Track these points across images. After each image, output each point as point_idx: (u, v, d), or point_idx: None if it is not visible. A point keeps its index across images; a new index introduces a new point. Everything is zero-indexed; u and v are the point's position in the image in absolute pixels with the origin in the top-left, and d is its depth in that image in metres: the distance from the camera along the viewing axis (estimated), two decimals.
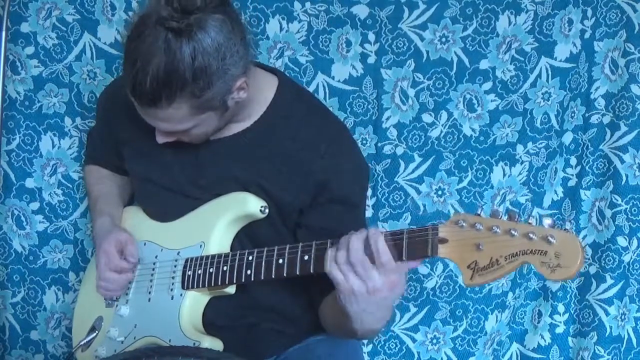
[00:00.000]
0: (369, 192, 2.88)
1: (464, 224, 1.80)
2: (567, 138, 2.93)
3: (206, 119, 2.10)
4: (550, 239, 1.69)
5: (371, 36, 2.85)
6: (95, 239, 2.45)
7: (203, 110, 2.05)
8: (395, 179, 2.91)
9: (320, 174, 2.23)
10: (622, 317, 2.97)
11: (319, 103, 2.47)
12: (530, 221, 1.74)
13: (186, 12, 1.95)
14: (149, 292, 2.33)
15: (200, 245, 2.26)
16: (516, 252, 1.73)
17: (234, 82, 2.05)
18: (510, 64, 2.87)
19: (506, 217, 1.76)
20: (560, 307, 3.01)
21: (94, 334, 2.42)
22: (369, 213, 2.89)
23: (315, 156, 2.24)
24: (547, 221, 1.71)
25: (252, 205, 2.21)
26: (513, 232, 1.73)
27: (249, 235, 2.28)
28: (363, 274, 1.93)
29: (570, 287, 3.01)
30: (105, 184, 2.60)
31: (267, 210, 2.21)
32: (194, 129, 2.12)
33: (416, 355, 3.01)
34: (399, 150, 2.89)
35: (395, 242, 1.91)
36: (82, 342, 2.43)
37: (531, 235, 1.71)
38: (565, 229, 1.70)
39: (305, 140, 2.26)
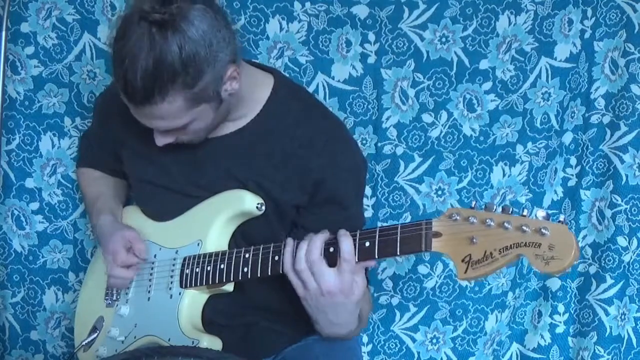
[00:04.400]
0: (369, 192, 2.89)
1: (457, 218, 1.80)
2: (567, 138, 2.93)
3: (202, 112, 2.09)
4: (543, 231, 1.68)
5: (371, 36, 2.85)
6: (99, 237, 2.45)
7: (198, 102, 2.05)
8: (395, 179, 2.91)
9: (318, 172, 2.24)
10: (622, 317, 2.96)
11: (316, 101, 2.46)
12: (524, 214, 1.74)
13: (167, 3, 1.95)
14: (149, 292, 2.34)
15: (198, 244, 2.26)
16: (510, 245, 1.73)
17: (224, 70, 2.05)
18: (510, 64, 2.86)
19: (500, 210, 1.76)
20: (560, 307, 3.00)
21: (96, 334, 2.43)
22: (369, 213, 2.89)
23: (312, 154, 2.24)
24: (541, 213, 1.71)
25: (249, 202, 2.22)
26: (507, 224, 1.73)
27: (244, 236, 2.28)
28: (318, 275, 1.99)
29: (570, 287, 3.01)
30: (101, 184, 2.61)
31: (263, 208, 2.21)
32: (192, 125, 2.11)
33: (416, 355, 3.00)
34: (399, 150, 2.89)
35: (389, 237, 1.92)
36: (84, 343, 2.44)
37: (525, 227, 1.71)
38: (559, 221, 1.70)
39: (302, 138, 2.26)
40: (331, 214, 2.23)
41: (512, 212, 1.75)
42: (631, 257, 2.93)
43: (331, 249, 2.01)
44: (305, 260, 2.01)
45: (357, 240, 1.98)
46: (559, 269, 1.68)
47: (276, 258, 2.09)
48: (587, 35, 2.85)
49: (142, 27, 1.95)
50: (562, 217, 1.71)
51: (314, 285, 2.01)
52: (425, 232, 1.85)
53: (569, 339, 3.03)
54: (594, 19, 2.84)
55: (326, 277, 1.99)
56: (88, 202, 2.63)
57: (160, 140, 2.17)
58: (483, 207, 1.79)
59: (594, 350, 2.97)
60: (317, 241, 2.01)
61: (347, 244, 1.98)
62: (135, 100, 2.02)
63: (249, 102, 2.24)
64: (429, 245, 1.85)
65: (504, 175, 2.91)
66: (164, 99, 1.99)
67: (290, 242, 2.08)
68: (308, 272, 2.00)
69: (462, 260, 1.78)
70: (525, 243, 1.70)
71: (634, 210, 2.90)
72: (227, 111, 2.19)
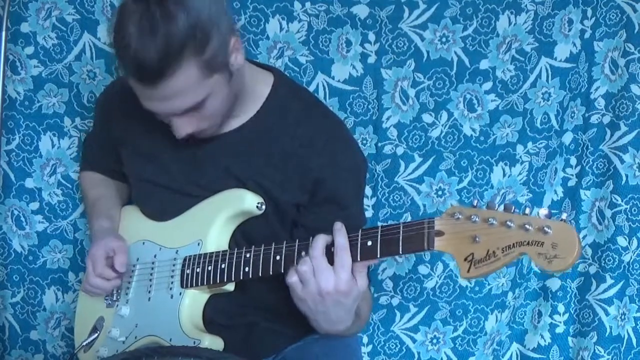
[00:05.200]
0: (369, 192, 2.89)
1: (460, 217, 1.80)
2: (567, 138, 2.93)
3: (216, 85, 2.06)
4: (546, 229, 1.68)
5: (371, 36, 2.85)
6: (92, 241, 2.45)
7: (210, 71, 2.02)
8: (396, 179, 2.91)
9: (318, 171, 2.24)
10: (622, 317, 2.96)
11: (316, 100, 2.47)
12: (526, 212, 1.74)
13: None
14: (149, 292, 2.33)
15: (198, 244, 2.26)
16: (513, 244, 1.72)
17: (228, 37, 2.05)
18: (511, 64, 2.86)
19: (502, 208, 1.76)
20: (560, 307, 3.01)
21: (96, 335, 2.43)
22: (369, 213, 2.89)
23: (312, 153, 2.24)
24: (543, 212, 1.71)
25: (249, 201, 2.21)
26: (509, 223, 1.72)
27: (244, 236, 2.28)
28: (317, 270, 1.98)
29: (570, 287, 3.01)
30: (102, 187, 2.61)
31: (263, 207, 2.21)
32: (208, 102, 2.08)
33: (416, 355, 3.00)
34: (399, 150, 2.89)
35: (391, 236, 1.91)
36: (85, 343, 2.44)
37: (527, 226, 1.70)
38: (561, 220, 1.70)
39: (302, 137, 2.26)
40: (331, 214, 2.20)
41: (514, 210, 1.75)
42: (631, 257, 2.93)
43: (332, 249, 2.01)
44: (308, 260, 2.00)
45: (359, 239, 1.97)
46: (562, 267, 1.68)
47: (277, 258, 2.09)
48: (587, 35, 2.86)
49: (139, 6, 1.95)
50: (564, 215, 1.71)
51: (313, 284, 1.99)
52: (428, 230, 1.85)
53: (569, 339, 3.03)
54: (594, 19, 2.85)
55: (326, 273, 1.98)
56: (88, 205, 2.63)
57: (181, 130, 2.13)
58: (485, 205, 1.79)
59: (594, 350, 2.97)
60: (319, 239, 2.01)
61: (340, 237, 1.97)
62: (152, 80, 1.99)
63: (249, 98, 2.24)
64: (431, 244, 1.84)
65: (504, 175, 2.91)
66: (180, 68, 1.96)
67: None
68: (310, 272, 1.99)
69: (465, 259, 1.77)
70: (528, 242, 1.70)
71: (634, 210, 2.90)
72: (236, 97, 2.18)
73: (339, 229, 1.99)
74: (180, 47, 1.94)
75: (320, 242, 2.00)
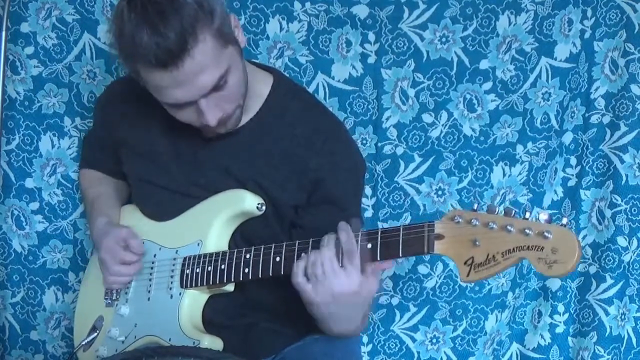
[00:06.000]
0: (369, 192, 2.89)
1: (460, 220, 1.79)
2: (567, 138, 2.93)
3: (232, 57, 2.07)
4: (546, 234, 1.68)
5: (371, 36, 2.85)
6: (95, 239, 2.44)
7: (224, 41, 2.03)
8: (395, 179, 2.91)
9: (317, 171, 2.24)
10: (622, 317, 2.96)
11: (315, 101, 2.47)
12: (526, 217, 1.74)
13: None
14: (149, 292, 2.33)
15: (198, 244, 2.26)
16: (512, 248, 1.72)
17: (228, 14, 2.08)
18: (510, 64, 2.86)
19: (502, 212, 1.76)
20: (560, 307, 3.01)
21: (95, 334, 2.42)
22: (369, 213, 2.89)
23: (311, 153, 2.24)
24: (544, 216, 1.70)
25: (249, 202, 2.21)
26: (509, 227, 1.72)
27: (244, 236, 2.28)
28: (328, 273, 1.96)
29: (570, 287, 3.01)
30: (101, 186, 2.60)
31: (263, 208, 2.21)
32: (230, 77, 2.07)
33: (416, 355, 3.01)
34: (399, 150, 2.89)
35: (391, 239, 1.91)
36: (84, 342, 2.43)
37: (527, 230, 1.70)
38: (562, 224, 1.69)
39: (301, 137, 2.26)
40: (329, 214, 2.21)
41: (514, 214, 1.75)
42: (631, 257, 2.93)
43: (369, 245, 1.97)
44: (319, 264, 1.99)
45: (359, 241, 1.97)
46: (562, 272, 1.68)
47: (277, 259, 2.09)
48: (587, 35, 2.85)
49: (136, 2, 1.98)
50: (564, 220, 1.71)
51: (324, 288, 1.98)
52: (428, 234, 1.85)
53: (569, 339, 3.03)
54: (594, 19, 2.84)
55: (339, 275, 1.96)
56: (87, 203, 2.62)
57: (211, 115, 2.10)
58: (485, 209, 1.79)
59: (594, 350, 2.98)
60: (330, 240, 1.99)
61: (344, 234, 1.96)
62: (176, 60, 1.97)
63: (250, 97, 2.24)
64: (431, 248, 1.84)
65: (504, 175, 2.91)
66: (198, 40, 1.97)
67: (303, 257, 2.04)
68: (322, 274, 1.98)
69: (465, 263, 1.78)
70: (528, 246, 1.70)
71: (634, 210, 2.90)
72: (247, 81, 2.19)
73: (343, 227, 1.98)
74: (193, 21, 1.96)
75: (331, 242, 1.99)
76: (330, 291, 1.99)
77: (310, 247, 2.04)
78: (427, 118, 2.88)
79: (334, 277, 1.97)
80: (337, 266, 1.97)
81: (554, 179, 2.94)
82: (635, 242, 2.92)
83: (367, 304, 2.08)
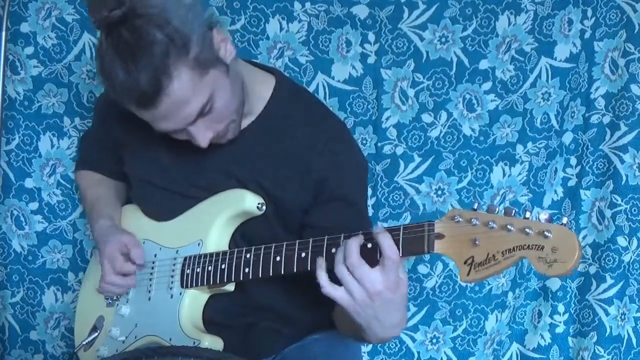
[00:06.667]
0: (369, 192, 2.88)
1: (460, 219, 1.78)
2: (567, 138, 2.93)
3: (215, 80, 2.04)
4: (546, 233, 1.67)
5: (371, 36, 2.85)
6: (97, 241, 2.43)
7: (203, 68, 2.01)
8: (395, 179, 2.91)
9: (319, 172, 2.23)
10: (622, 317, 2.96)
11: (317, 101, 2.46)
12: (526, 216, 1.73)
13: None
14: (149, 291, 2.33)
15: (199, 244, 2.25)
16: (513, 248, 1.71)
17: (207, 31, 2.04)
18: (510, 64, 2.87)
19: (502, 212, 1.75)
20: (560, 307, 3.01)
21: (96, 334, 2.42)
22: (369, 213, 2.87)
23: (313, 154, 2.23)
24: (544, 216, 1.69)
25: (249, 202, 2.20)
26: (509, 227, 1.71)
27: (244, 236, 2.27)
28: (361, 278, 1.87)
29: (570, 287, 3.01)
30: (101, 187, 2.59)
31: (264, 207, 2.20)
32: (216, 99, 2.05)
33: (416, 355, 3.01)
34: (399, 150, 2.89)
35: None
36: (85, 342, 2.43)
37: (527, 230, 1.69)
38: (562, 224, 1.69)
39: (303, 138, 2.25)
40: (339, 211, 2.21)
41: (514, 214, 1.74)
42: (631, 257, 2.93)
43: (369, 245, 1.93)
44: (345, 267, 1.89)
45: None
46: (562, 272, 1.67)
47: (277, 258, 2.07)
48: (587, 35, 2.86)
49: (112, 39, 1.95)
50: (564, 220, 1.70)
51: (360, 291, 1.89)
52: (428, 233, 1.83)
53: (569, 339, 3.03)
54: (594, 19, 2.85)
55: (372, 277, 1.87)
56: (87, 205, 2.61)
57: (202, 137, 2.10)
58: (485, 208, 1.79)
59: (594, 350, 2.98)
60: (352, 244, 1.90)
61: (387, 240, 1.87)
62: (153, 100, 1.98)
63: (250, 102, 2.23)
64: (431, 247, 1.82)
65: (504, 175, 2.91)
66: (173, 77, 1.95)
67: (321, 261, 1.96)
68: (351, 279, 1.90)
69: (465, 263, 1.77)
70: (528, 245, 1.69)
71: (634, 210, 2.90)
72: (242, 88, 2.16)
73: (381, 232, 1.89)
74: (164, 58, 1.94)
75: (353, 246, 1.90)
76: (367, 294, 1.88)
77: (311, 246, 2.00)
78: (427, 118, 2.88)
79: (367, 280, 1.87)
80: (367, 269, 1.87)
81: (554, 179, 2.94)
82: (635, 242, 2.93)
83: (405, 298, 1.97)
